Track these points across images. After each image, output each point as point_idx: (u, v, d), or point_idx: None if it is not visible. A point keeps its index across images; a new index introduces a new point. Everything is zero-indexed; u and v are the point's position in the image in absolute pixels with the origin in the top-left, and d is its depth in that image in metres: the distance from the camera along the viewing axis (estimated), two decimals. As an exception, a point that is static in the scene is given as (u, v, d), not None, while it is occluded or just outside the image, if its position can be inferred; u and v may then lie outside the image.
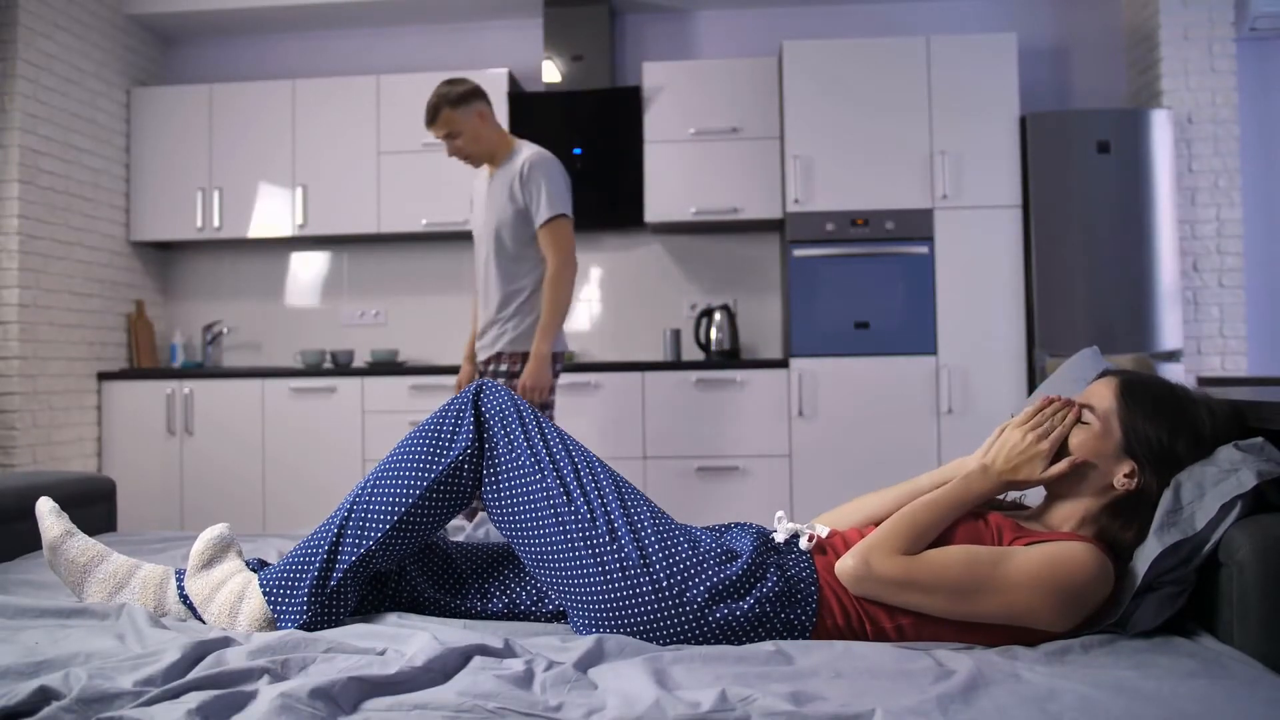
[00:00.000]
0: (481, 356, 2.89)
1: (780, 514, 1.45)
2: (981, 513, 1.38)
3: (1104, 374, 1.45)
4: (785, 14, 4.48)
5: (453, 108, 2.72)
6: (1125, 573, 1.29)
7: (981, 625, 1.27)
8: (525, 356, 2.76)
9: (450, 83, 2.75)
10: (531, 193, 2.71)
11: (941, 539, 1.31)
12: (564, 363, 2.83)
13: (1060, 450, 1.34)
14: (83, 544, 1.44)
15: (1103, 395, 1.37)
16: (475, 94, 2.76)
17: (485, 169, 2.89)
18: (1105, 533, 1.34)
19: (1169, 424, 1.31)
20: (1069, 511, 1.36)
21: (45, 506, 1.47)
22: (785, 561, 1.34)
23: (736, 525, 1.48)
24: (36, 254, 3.81)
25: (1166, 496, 1.28)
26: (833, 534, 1.40)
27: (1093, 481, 1.33)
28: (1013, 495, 1.52)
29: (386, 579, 1.47)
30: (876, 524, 1.45)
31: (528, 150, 2.77)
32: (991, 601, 1.24)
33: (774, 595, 1.29)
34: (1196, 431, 1.31)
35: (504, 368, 2.78)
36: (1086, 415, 1.35)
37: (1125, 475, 1.32)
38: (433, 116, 2.74)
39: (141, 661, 1.11)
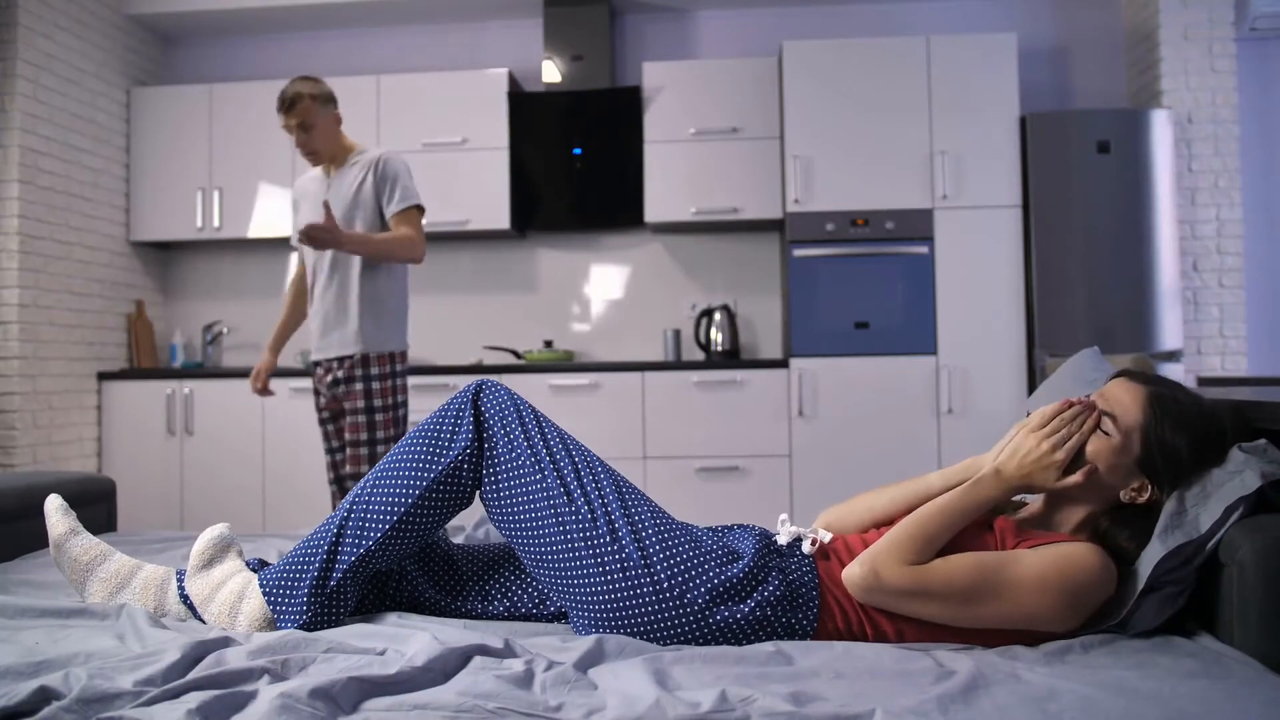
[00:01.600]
0: (330, 355, 2.81)
1: (784, 517, 1.44)
2: (985, 518, 1.37)
3: (1123, 374, 1.38)
4: (785, 14, 4.48)
5: (314, 101, 2.76)
6: (1128, 574, 1.29)
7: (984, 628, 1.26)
8: (392, 357, 2.80)
9: (314, 80, 2.80)
10: (386, 187, 2.78)
11: (947, 546, 1.29)
12: (405, 364, 2.86)
13: (1075, 457, 1.30)
14: (86, 543, 1.44)
15: (1128, 407, 1.31)
16: (334, 99, 2.84)
17: (318, 172, 2.91)
18: (1107, 537, 1.33)
19: (1196, 447, 1.28)
20: (1071, 515, 1.35)
21: (53, 504, 1.48)
22: (787, 565, 1.33)
23: (739, 526, 1.48)
24: (36, 254, 3.81)
25: (1170, 499, 1.28)
26: (835, 539, 1.39)
27: (1102, 490, 1.32)
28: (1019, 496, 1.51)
29: (386, 579, 1.47)
30: (882, 525, 1.44)
31: (380, 150, 2.84)
32: (999, 606, 1.23)
33: (775, 599, 1.29)
34: (1219, 453, 1.28)
35: (374, 370, 2.76)
36: (1107, 424, 1.30)
37: (1135, 489, 1.30)
38: (292, 104, 2.74)
39: (141, 661, 1.11)
